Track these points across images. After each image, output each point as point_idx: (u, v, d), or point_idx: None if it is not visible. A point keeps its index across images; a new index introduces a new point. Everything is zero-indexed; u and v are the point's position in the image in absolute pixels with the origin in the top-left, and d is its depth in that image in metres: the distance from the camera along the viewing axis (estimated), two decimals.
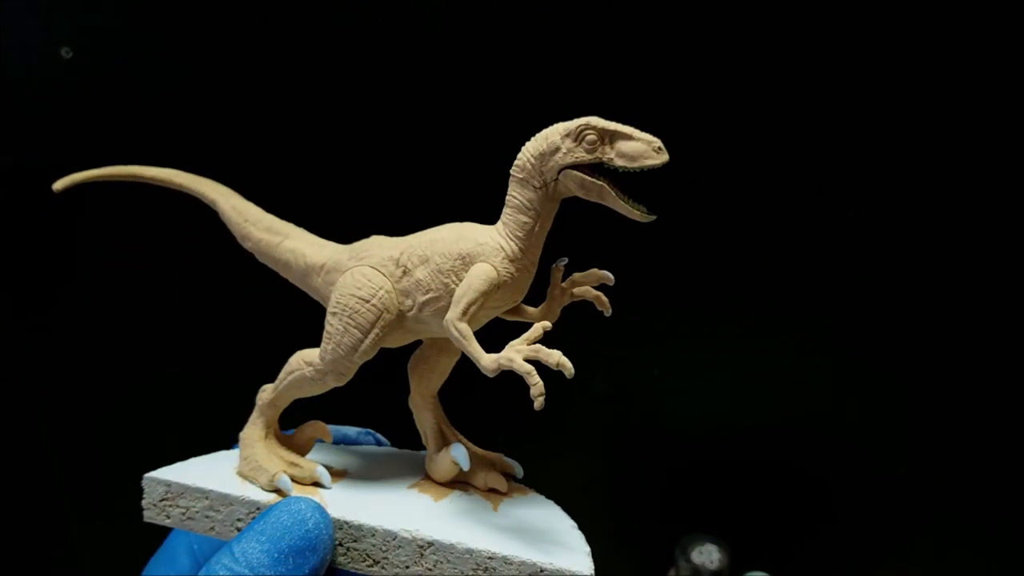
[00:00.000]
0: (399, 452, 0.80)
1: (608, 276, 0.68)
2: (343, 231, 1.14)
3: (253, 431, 0.71)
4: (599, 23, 1.13)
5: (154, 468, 1.23)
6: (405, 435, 0.82)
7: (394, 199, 1.16)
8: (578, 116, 0.63)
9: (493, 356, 0.59)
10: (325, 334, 0.67)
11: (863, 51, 1.14)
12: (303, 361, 0.69)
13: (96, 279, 1.06)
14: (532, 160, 0.63)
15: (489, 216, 0.67)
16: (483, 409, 0.68)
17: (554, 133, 0.63)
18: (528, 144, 0.64)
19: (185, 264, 0.82)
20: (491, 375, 0.59)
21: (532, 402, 0.56)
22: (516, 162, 0.64)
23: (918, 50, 1.13)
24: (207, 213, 1.14)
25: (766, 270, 1.20)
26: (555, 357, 0.58)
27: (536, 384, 0.57)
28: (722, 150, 1.16)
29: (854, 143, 1.16)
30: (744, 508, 1.28)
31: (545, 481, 1.10)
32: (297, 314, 0.79)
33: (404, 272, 0.66)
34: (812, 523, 1.29)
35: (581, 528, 0.75)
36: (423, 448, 0.76)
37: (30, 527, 1.23)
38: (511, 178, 0.64)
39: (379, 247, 0.68)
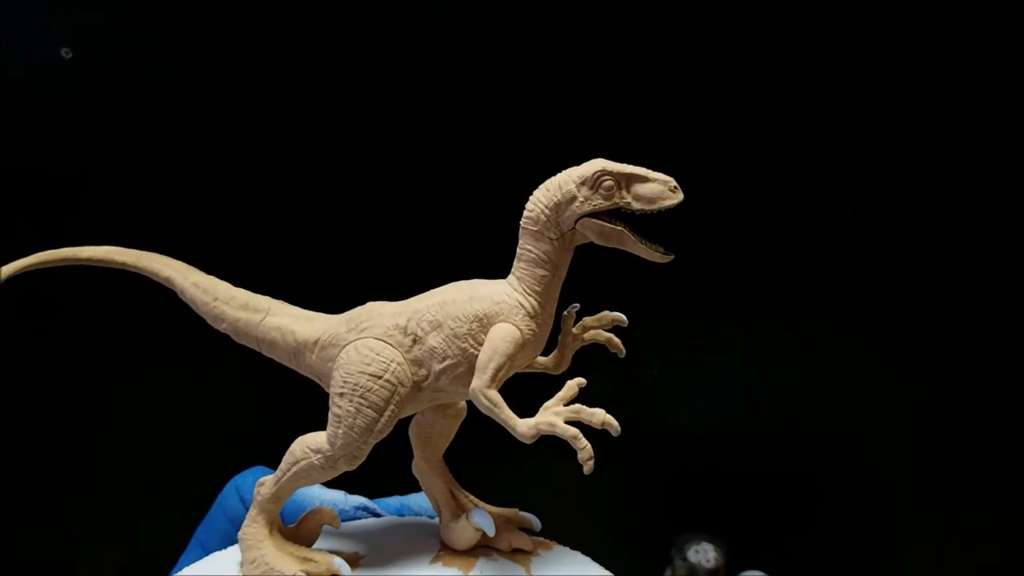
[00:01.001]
0: (406, 522, 0.77)
1: (621, 318, 0.66)
2: (344, 230, 1.14)
3: (256, 530, 0.64)
4: (599, 23, 1.13)
5: (153, 468, 1.23)
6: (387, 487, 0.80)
7: (394, 198, 1.16)
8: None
9: (530, 422, 0.57)
10: (333, 417, 0.61)
11: (863, 51, 1.14)
12: (308, 449, 0.62)
13: (96, 279, 1.06)
14: (547, 211, 0.60)
15: (488, 217, 0.66)
16: (480, 412, 0.68)
17: (568, 182, 0.59)
18: (538, 194, 0.61)
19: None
20: (528, 442, 0.57)
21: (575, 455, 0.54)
22: (527, 214, 0.61)
23: (918, 50, 1.13)
24: (208, 214, 1.14)
25: (766, 270, 1.20)
26: (599, 416, 0.56)
27: (584, 448, 0.55)
28: (722, 149, 1.16)
29: (854, 143, 1.16)
30: (742, 507, 1.28)
31: (544, 482, 1.10)
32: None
33: (415, 340, 0.61)
34: (810, 523, 1.29)
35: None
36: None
37: (30, 527, 1.23)
38: (523, 231, 0.61)
39: (380, 315, 0.63)
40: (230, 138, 1.13)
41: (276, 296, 0.70)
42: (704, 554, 1.19)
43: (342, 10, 1.11)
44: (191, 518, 0.94)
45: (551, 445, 0.58)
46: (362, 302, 0.66)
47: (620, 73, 1.14)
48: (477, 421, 0.68)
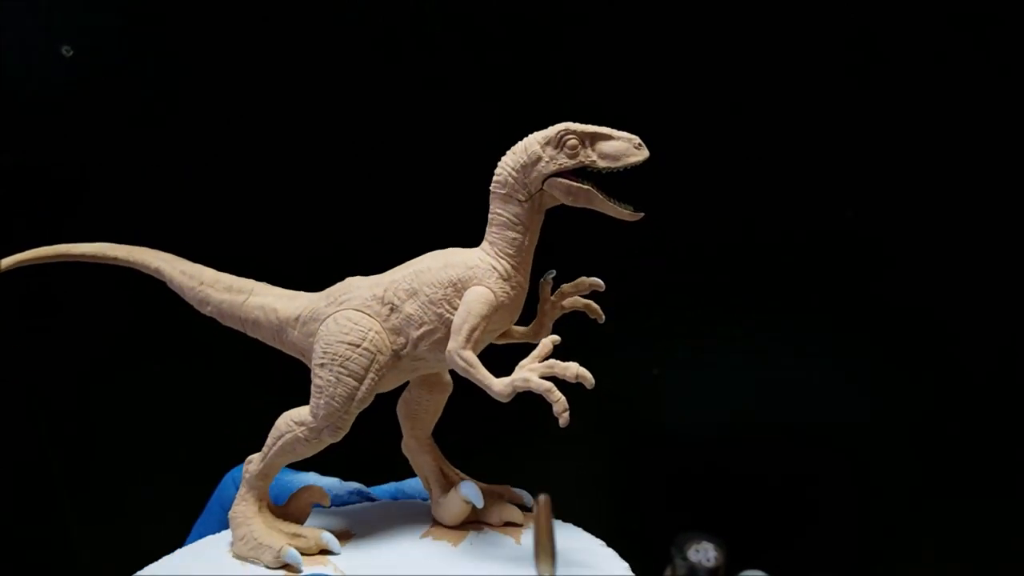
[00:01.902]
0: (399, 503, 0.77)
1: (598, 283, 0.66)
2: (345, 231, 1.14)
3: (245, 508, 0.65)
4: (599, 23, 1.13)
5: (153, 468, 1.24)
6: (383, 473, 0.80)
7: (393, 198, 1.16)
8: (578, 119, 0.62)
9: (505, 380, 0.57)
10: (314, 388, 0.63)
11: (863, 51, 1.14)
12: (292, 422, 0.64)
13: (96, 279, 1.06)
14: (514, 174, 0.62)
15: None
16: (480, 412, 0.68)
17: (533, 143, 0.61)
18: (506, 158, 0.63)
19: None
20: (505, 400, 0.57)
21: (548, 411, 0.54)
22: (496, 178, 0.63)
23: (918, 50, 1.13)
24: (209, 213, 1.14)
25: (766, 270, 1.20)
26: (572, 370, 0.57)
27: (559, 400, 0.55)
28: (722, 149, 1.16)
29: (854, 143, 1.16)
30: (742, 507, 1.28)
31: (545, 481, 1.10)
32: None
33: (392, 309, 0.63)
34: (810, 523, 1.29)
35: (580, 527, 0.75)
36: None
37: (30, 527, 1.23)
38: (492, 195, 0.63)
39: (358, 288, 0.65)
40: (230, 138, 1.13)
41: None
42: (704, 554, 1.19)
43: (342, 10, 1.11)
44: (191, 518, 0.94)
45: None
46: None
47: (620, 73, 1.14)
48: (476, 421, 0.68)
